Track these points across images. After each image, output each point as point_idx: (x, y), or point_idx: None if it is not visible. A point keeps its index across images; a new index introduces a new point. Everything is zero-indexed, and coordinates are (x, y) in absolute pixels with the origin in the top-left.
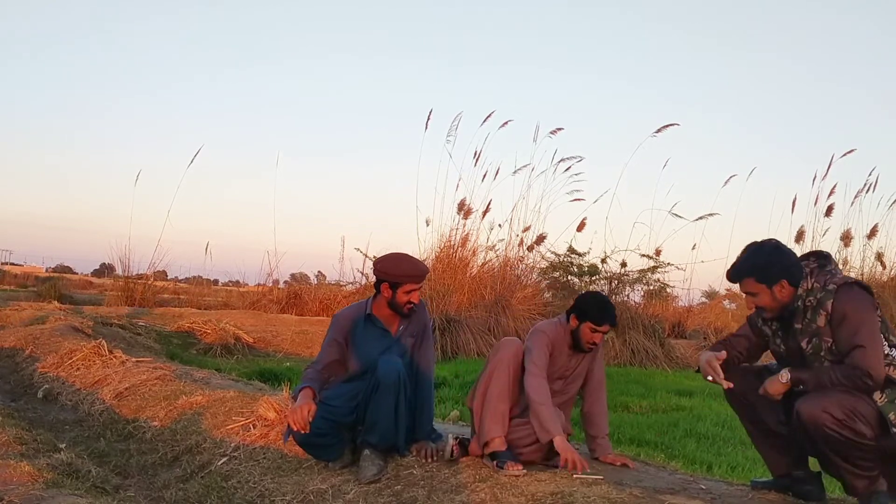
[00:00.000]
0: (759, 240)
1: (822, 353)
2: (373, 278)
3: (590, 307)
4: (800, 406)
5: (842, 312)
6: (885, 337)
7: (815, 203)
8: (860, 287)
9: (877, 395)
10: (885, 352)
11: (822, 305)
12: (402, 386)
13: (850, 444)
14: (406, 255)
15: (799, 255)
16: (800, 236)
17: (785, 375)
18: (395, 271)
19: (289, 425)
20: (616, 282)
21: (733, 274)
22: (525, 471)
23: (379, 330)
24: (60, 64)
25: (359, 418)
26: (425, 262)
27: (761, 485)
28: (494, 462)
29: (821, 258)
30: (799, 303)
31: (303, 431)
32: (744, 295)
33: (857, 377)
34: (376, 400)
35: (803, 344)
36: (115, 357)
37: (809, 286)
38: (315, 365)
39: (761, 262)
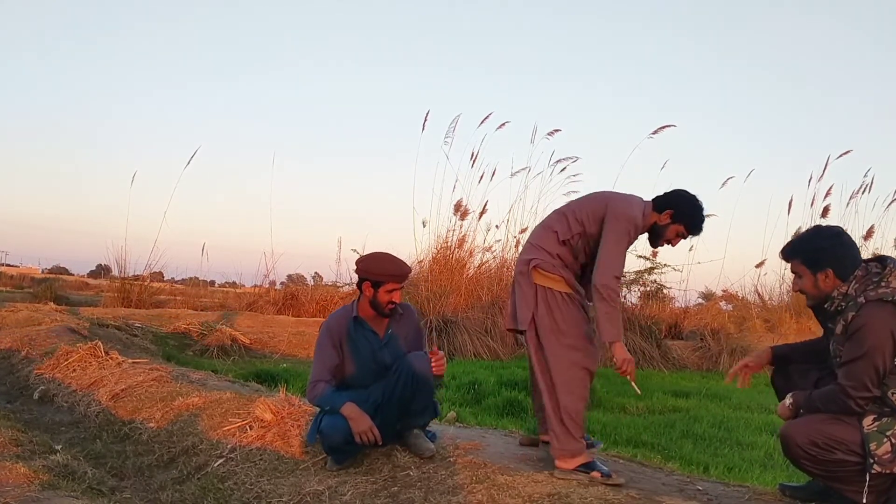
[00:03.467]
0: (824, 224)
1: (837, 361)
2: None
3: (693, 212)
4: (780, 428)
5: (856, 327)
6: None
7: (812, 204)
8: (894, 307)
9: (868, 420)
10: None
11: (844, 314)
12: (431, 373)
13: (829, 469)
14: (388, 255)
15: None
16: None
17: (788, 399)
18: (376, 270)
19: (318, 429)
20: None
21: (786, 252)
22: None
23: (368, 332)
24: (56, 66)
25: (381, 422)
26: (422, 264)
27: (790, 490)
28: (595, 472)
29: (879, 265)
30: (832, 304)
31: (379, 442)
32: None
33: (834, 397)
34: (422, 392)
35: (830, 347)
36: (111, 358)
37: (847, 290)
38: (323, 376)
39: (813, 246)
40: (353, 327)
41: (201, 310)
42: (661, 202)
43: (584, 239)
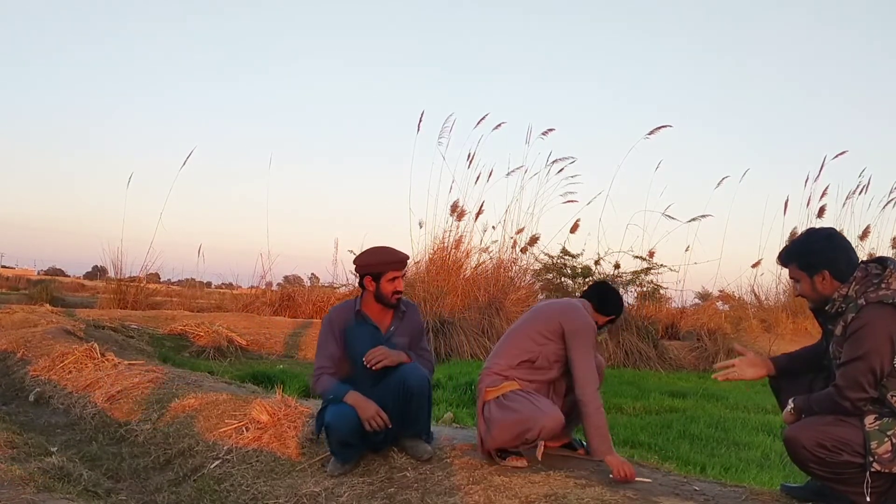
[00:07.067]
0: (818, 226)
1: (836, 363)
2: None
3: (601, 292)
4: (784, 431)
5: (855, 329)
6: None
7: (808, 205)
8: (894, 309)
9: (869, 419)
10: None
11: (844, 315)
12: (429, 389)
13: (836, 471)
14: (381, 246)
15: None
16: (792, 238)
17: (790, 404)
18: (374, 262)
19: (325, 422)
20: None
21: (782, 257)
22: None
23: (370, 327)
24: (52, 66)
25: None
26: (419, 265)
27: (788, 489)
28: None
29: (879, 267)
30: (832, 305)
31: (389, 426)
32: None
33: (831, 398)
34: (414, 404)
35: (830, 348)
36: (107, 360)
37: (847, 292)
38: (325, 365)
39: (807, 250)
40: (354, 322)
41: (197, 311)
42: (585, 296)
43: (544, 357)
